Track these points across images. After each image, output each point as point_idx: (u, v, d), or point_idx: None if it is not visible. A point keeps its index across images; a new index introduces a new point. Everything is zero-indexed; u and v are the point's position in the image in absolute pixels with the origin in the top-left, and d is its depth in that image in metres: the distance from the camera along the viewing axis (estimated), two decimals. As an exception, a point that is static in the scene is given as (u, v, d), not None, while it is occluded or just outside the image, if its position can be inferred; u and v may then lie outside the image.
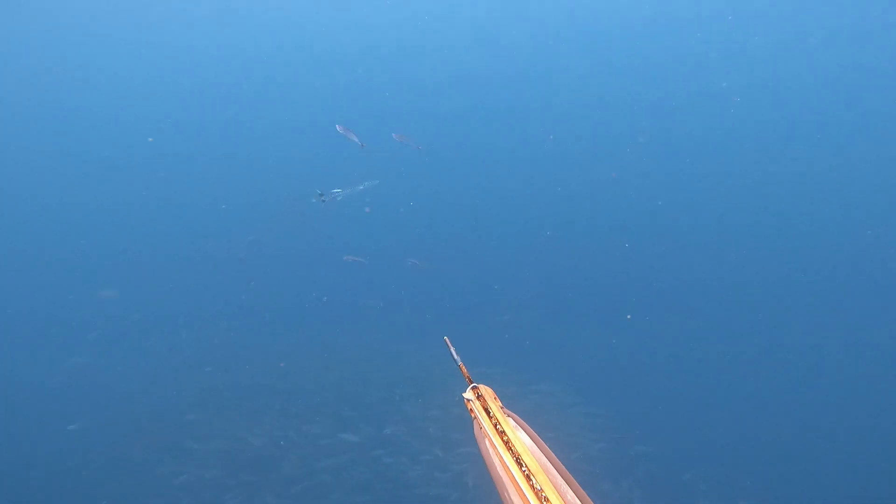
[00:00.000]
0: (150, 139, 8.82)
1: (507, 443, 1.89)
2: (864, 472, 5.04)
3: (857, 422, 5.32)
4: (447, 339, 2.64)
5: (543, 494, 1.74)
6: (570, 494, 1.67)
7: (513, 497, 1.68)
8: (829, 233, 7.01)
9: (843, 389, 5.59)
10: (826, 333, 6.01)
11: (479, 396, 2.19)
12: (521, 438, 1.88)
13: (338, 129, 7.86)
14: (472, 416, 2.07)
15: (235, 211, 7.72)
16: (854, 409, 5.44)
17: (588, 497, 1.81)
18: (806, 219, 7.18)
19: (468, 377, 2.30)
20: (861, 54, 9.56)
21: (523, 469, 1.83)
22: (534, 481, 1.75)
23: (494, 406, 2.09)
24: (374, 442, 5.21)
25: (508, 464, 1.84)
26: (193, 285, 6.90)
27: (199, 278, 6.96)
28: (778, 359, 5.85)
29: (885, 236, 6.91)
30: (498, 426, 1.99)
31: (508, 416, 2.00)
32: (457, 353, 2.49)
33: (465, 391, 2.21)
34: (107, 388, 5.90)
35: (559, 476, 1.75)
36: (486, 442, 1.95)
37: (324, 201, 7.66)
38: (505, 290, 6.62)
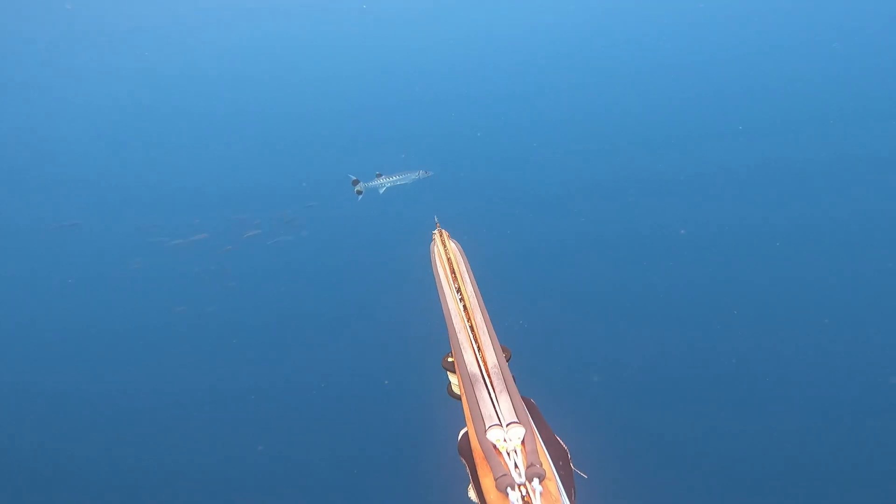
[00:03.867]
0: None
1: (446, 250, 3.05)
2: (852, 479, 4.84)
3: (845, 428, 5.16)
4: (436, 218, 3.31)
5: (456, 285, 2.83)
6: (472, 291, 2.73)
7: (444, 284, 2.80)
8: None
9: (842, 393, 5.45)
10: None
11: (440, 232, 3.26)
12: (455, 249, 3.05)
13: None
14: (433, 241, 3.13)
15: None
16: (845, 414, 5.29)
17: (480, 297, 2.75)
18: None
19: (437, 224, 3.22)
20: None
21: (452, 266, 2.97)
22: (457, 275, 2.87)
23: (446, 236, 3.20)
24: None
25: (444, 264, 2.95)
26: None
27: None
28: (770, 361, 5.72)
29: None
30: (444, 243, 3.14)
31: (451, 239, 3.15)
32: (437, 219, 3.10)
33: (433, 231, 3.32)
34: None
35: (470, 278, 2.85)
36: (434, 250, 3.06)
37: (359, 192, 7.59)
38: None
